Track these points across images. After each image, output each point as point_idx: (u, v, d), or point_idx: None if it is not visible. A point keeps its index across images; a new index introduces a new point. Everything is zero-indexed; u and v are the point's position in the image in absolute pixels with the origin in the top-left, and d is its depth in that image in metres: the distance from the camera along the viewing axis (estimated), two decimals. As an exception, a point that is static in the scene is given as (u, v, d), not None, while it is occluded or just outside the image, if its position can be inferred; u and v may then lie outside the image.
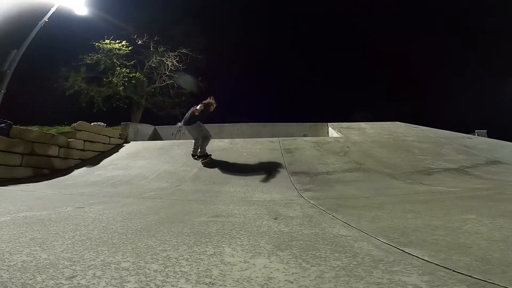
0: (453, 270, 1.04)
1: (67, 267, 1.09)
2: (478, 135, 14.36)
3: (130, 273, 1.05)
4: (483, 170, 4.61)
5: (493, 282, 0.93)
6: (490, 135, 14.93)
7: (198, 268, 1.10)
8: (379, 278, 1.00)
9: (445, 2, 27.50)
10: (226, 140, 7.60)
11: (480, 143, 6.77)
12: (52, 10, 10.32)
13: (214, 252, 1.31)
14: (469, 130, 15.55)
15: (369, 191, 3.50)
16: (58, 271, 1.05)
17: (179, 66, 20.70)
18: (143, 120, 18.32)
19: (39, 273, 1.02)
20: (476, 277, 0.97)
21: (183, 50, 20.70)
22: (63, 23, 14.69)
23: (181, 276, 1.03)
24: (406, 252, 1.27)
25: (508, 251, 1.22)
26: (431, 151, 6.03)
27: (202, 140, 5.73)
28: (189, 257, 1.24)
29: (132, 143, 8.08)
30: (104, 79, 19.27)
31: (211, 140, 6.10)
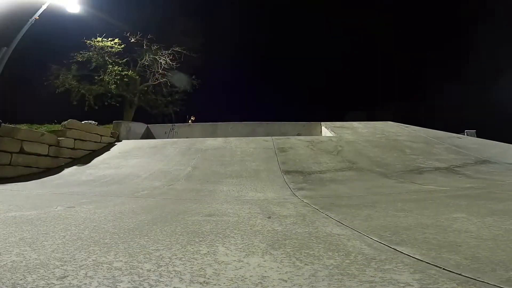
0: (443, 268, 1.05)
1: (58, 267, 1.07)
2: (467, 135, 14.59)
3: (122, 272, 1.04)
4: (472, 170, 4.70)
5: (482, 280, 0.94)
6: (478, 135, 15.19)
7: (191, 268, 1.10)
8: (371, 276, 1.01)
9: (445, 4, 27.92)
10: (220, 139, 7.57)
11: (469, 143, 6.89)
12: (43, 7, 10.13)
13: (208, 251, 1.30)
14: (458, 129, 15.80)
15: (362, 190, 3.53)
16: (49, 271, 1.03)
17: (172, 64, 20.54)
18: (135, 119, 18.14)
19: (30, 273, 1.01)
20: (466, 275, 0.99)
21: (177, 49, 20.54)
22: (54, 20, 14.46)
23: (174, 276, 1.02)
24: (398, 251, 1.28)
25: (497, 249, 1.24)
26: (422, 150, 6.11)
27: None
28: (182, 256, 1.23)
29: (124, 141, 8.00)
30: (96, 77, 19.01)
31: (205, 138, 6.09)
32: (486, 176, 4.25)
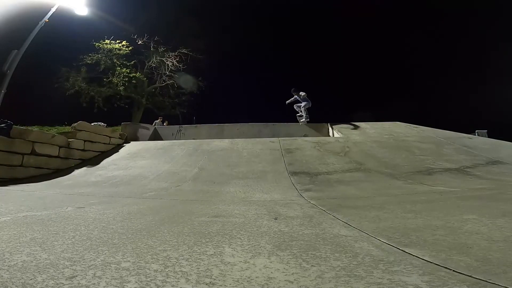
0: (453, 270, 1.04)
1: (68, 267, 1.09)
2: (478, 135, 14.34)
3: (130, 273, 1.05)
4: (483, 170, 4.61)
5: (493, 282, 0.92)
6: (490, 135, 14.91)
7: (198, 268, 1.10)
8: (379, 278, 1.00)
9: (450, 4, 27.56)
10: (227, 140, 7.59)
11: (480, 143, 6.76)
12: (53, 10, 10.33)
13: (214, 252, 1.31)
14: (469, 130, 15.53)
15: (369, 191, 3.50)
16: (58, 271, 1.05)
17: (179, 66, 20.70)
18: (143, 120, 18.34)
19: (40, 273, 1.02)
20: (477, 277, 0.97)
21: (184, 50, 20.70)
22: (63, 23, 14.73)
23: (181, 276, 1.02)
24: (407, 252, 1.27)
25: (509, 251, 1.22)
26: (431, 151, 6.02)
27: None
28: (189, 257, 1.24)
29: (132, 143, 8.09)
30: (105, 79, 19.28)
31: (212, 139, 6.13)
32: (498, 177, 4.17)
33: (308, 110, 9.77)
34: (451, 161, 5.25)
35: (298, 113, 10.05)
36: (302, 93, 9.82)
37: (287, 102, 10.23)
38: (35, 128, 6.69)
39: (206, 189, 3.93)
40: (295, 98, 9.99)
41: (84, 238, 1.53)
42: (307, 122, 9.68)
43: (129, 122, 9.52)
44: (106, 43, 19.00)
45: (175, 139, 9.79)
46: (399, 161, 5.34)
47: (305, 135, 9.26)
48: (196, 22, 22.01)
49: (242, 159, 5.90)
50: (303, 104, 9.75)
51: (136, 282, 0.97)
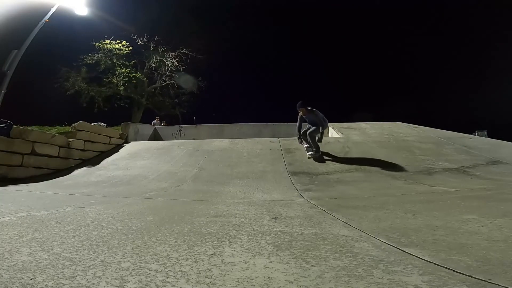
0: (453, 270, 1.04)
1: (67, 267, 1.09)
2: (478, 135, 14.34)
3: (130, 273, 1.05)
4: (484, 170, 4.60)
5: (493, 282, 0.92)
6: (490, 135, 14.91)
7: (198, 268, 1.10)
8: (379, 278, 1.00)
9: (450, 4, 27.57)
10: (227, 140, 7.59)
11: (480, 143, 6.76)
12: (53, 10, 10.33)
13: (214, 252, 1.31)
14: (469, 130, 15.52)
15: (369, 191, 3.50)
16: (58, 271, 1.05)
17: (179, 66, 20.68)
18: (143, 120, 18.34)
19: (40, 273, 1.02)
20: (477, 277, 0.97)
21: (184, 50, 20.69)
22: (63, 23, 14.73)
23: (181, 276, 1.02)
24: (407, 252, 1.26)
25: (509, 251, 1.22)
26: (431, 151, 6.02)
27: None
28: (189, 257, 1.24)
29: (132, 143, 8.09)
30: (105, 79, 19.28)
31: (212, 140, 6.10)
32: (498, 177, 4.17)
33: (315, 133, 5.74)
34: (451, 161, 5.25)
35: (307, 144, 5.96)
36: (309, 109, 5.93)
37: (297, 129, 6.10)
38: (35, 128, 6.69)
39: (206, 189, 3.93)
40: (301, 118, 6.12)
41: (84, 238, 1.53)
42: (317, 156, 5.59)
43: (129, 122, 9.50)
44: (106, 43, 19.00)
45: (175, 139, 9.80)
46: (399, 161, 5.33)
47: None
48: (196, 22, 21.99)
49: (242, 159, 5.90)
50: (312, 128, 5.81)
51: (136, 282, 0.97)
